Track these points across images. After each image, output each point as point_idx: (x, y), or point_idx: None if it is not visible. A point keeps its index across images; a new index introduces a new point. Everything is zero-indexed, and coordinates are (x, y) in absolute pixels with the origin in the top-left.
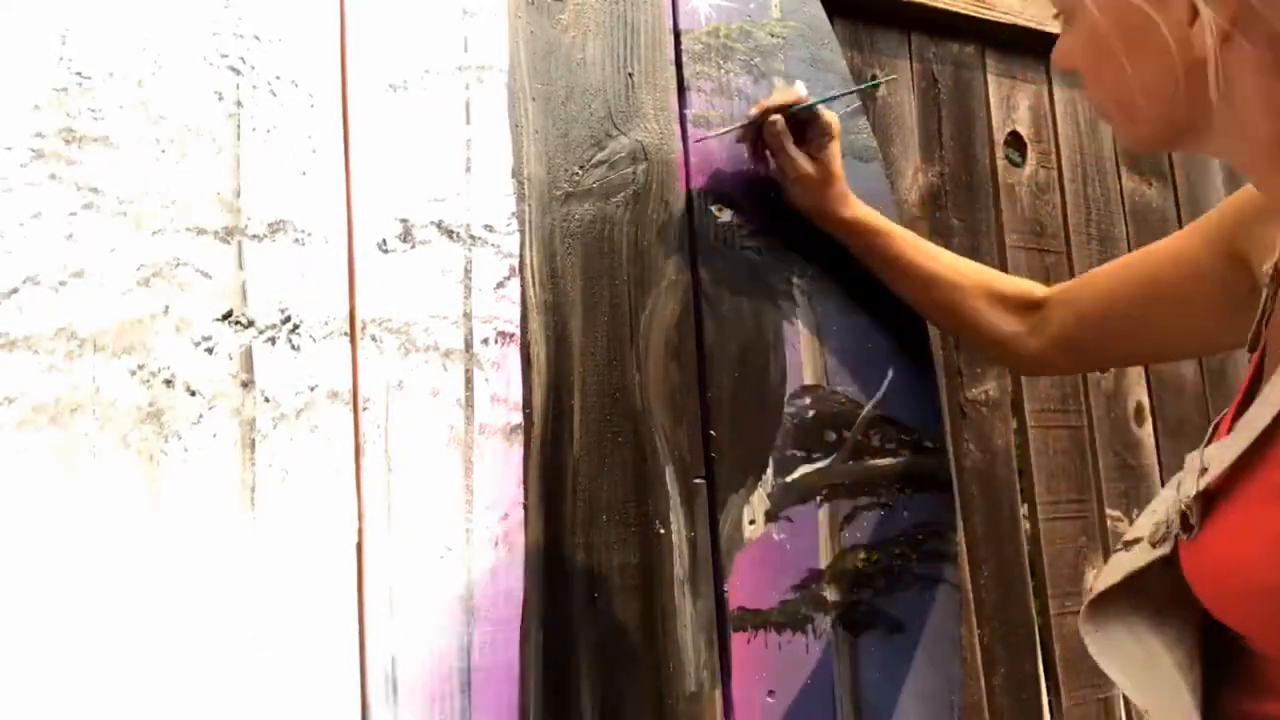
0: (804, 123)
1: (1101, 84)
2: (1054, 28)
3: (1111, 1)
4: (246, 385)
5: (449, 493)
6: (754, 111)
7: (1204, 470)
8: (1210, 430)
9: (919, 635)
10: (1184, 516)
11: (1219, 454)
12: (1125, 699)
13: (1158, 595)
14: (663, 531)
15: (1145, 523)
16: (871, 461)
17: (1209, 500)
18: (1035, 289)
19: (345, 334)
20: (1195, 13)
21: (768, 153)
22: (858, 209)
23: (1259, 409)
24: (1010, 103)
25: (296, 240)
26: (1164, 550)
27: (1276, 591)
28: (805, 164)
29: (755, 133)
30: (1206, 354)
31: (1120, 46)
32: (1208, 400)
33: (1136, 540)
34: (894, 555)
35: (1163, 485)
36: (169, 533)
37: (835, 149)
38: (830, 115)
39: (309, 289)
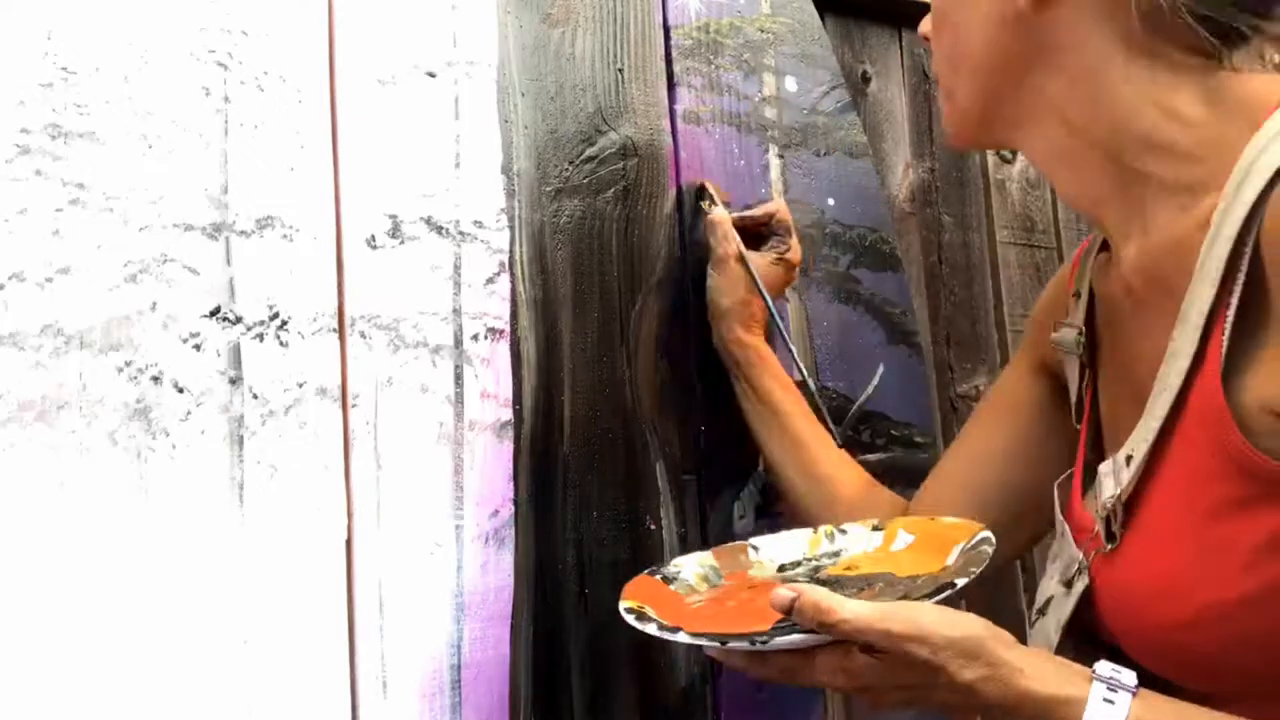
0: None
1: (940, 51)
2: None
3: None
4: (234, 382)
5: (439, 489)
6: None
7: (1128, 460)
8: (1067, 486)
9: None
10: (1107, 523)
11: (1132, 446)
12: None
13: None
14: (653, 527)
15: (1047, 585)
16: (862, 456)
17: (1129, 508)
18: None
19: (334, 330)
20: None
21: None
22: (750, 328)
23: (1155, 401)
24: None
25: (284, 236)
26: (1081, 584)
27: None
28: (732, 271)
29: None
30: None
31: (950, 5)
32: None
33: (1048, 601)
34: None
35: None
36: (157, 530)
37: (795, 244)
38: (795, 251)
39: (297, 285)
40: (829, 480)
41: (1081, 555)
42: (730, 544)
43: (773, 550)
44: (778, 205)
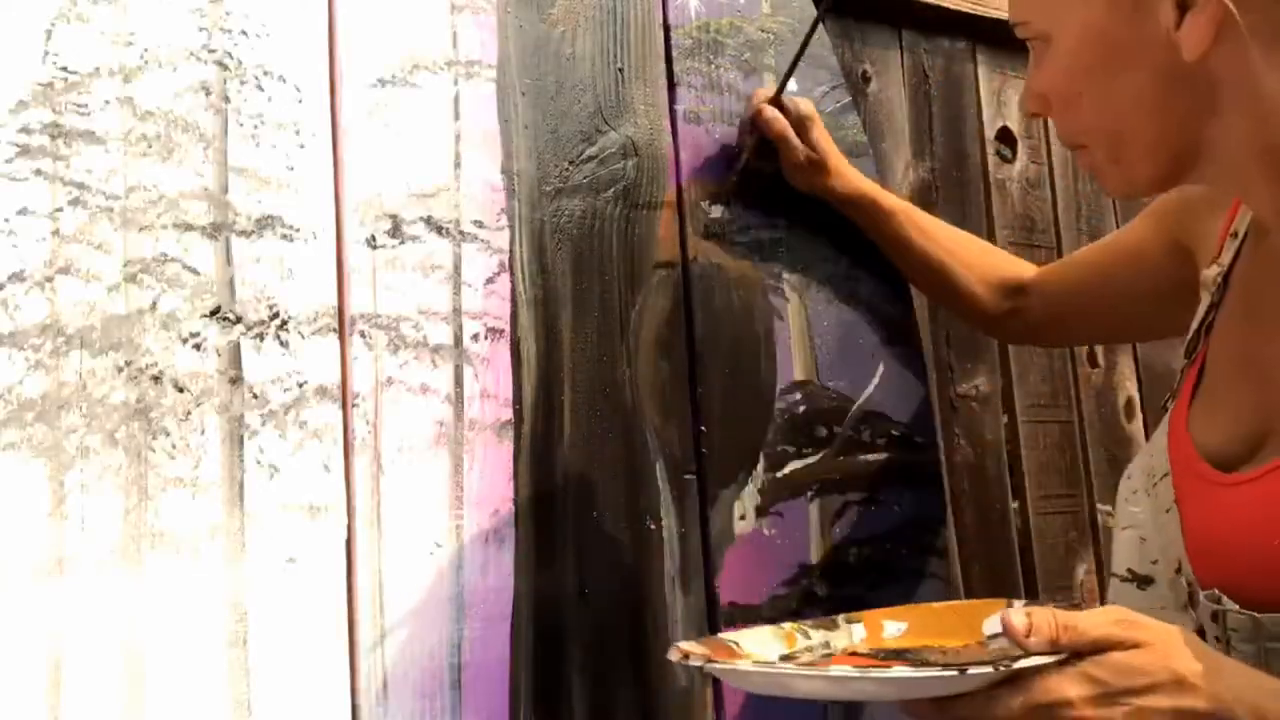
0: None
1: (1084, 118)
2: None
3: (1089, 21)
4: (235, 382)
5: (438, 489)
6: (748, 135)
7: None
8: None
9: None
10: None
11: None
12: None
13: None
14: (653, 527)
15: (1128, 487)
16: (862, 456)
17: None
18: (1022, 272)
19: (334, 330)
20: (1181, 14)
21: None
22: (853, 184)
23: None
24: (1001, 98)
25: (285, 236)
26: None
27: None
28: (804, 149)
29: (751, 129)
30: (1155, 339)
31: (1104, 70)
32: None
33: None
34: (885, 550)
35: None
36: (157, 529)
37: (819, 132)
38: (804, 103)
39: (297, 285)
40: (968, 297)
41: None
42: (709, 639)
43: (757, 646)
44: (764, 90)
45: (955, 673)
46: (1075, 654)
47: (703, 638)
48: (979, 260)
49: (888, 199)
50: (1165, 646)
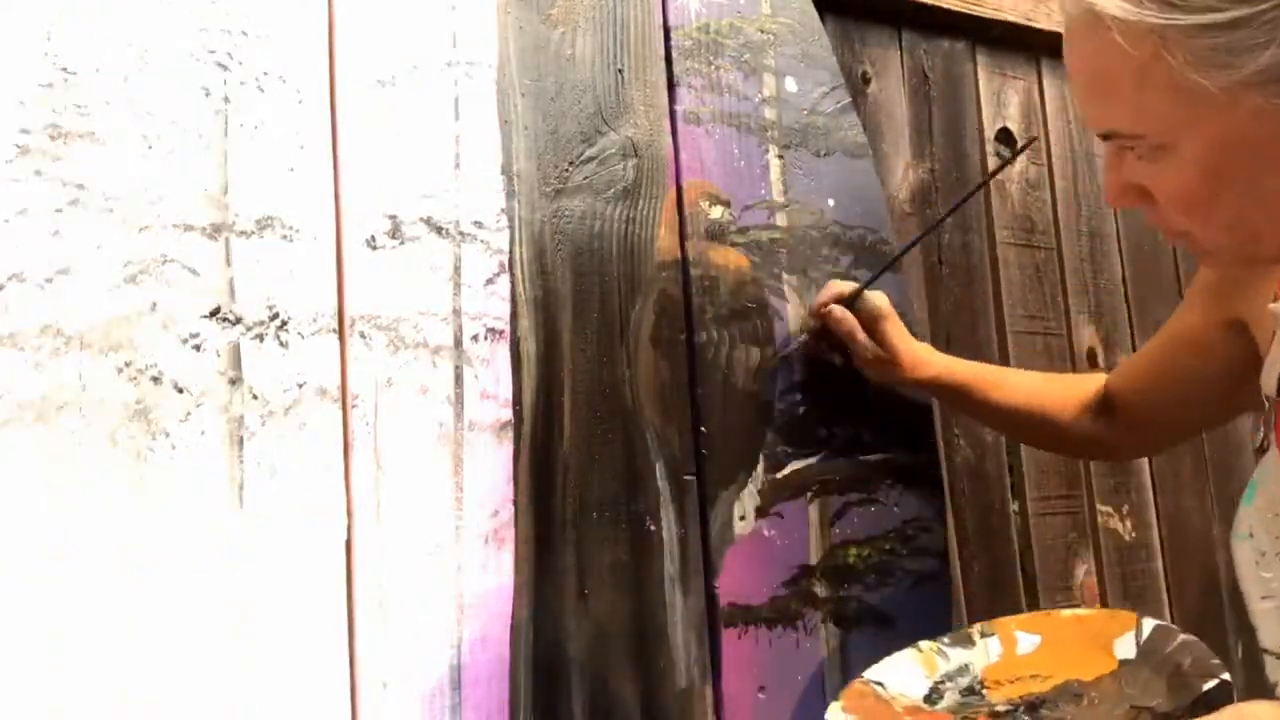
0: (855, 303)
1: (1213, 215)
2: (1044, 24)
3: (1229, 129)
4: (234, 382)
5: (438, 490)
6: (811, 318)
7: None
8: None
9: (910, 631)
10: None
11: None
12: None
13: None
14: (653, 528)
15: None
16: (862, 457)
17: None
18: (1093, 388)
19: (334, 331)
20: None
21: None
22: (933, 368)
23: None
24: (1001, 99)
25: (284, 236)
26: None
27: None
28: (873, 348)
29: (819, 332)
30: (1240, 414)
31: (1249, 170)
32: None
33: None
34: (884, 551)
35: (1152, 481)
36: (157, 530)
37: (892, 327)
38: (878, 298)
39: (297, 285)
40: (1065, 434)
41: None
42: (848, 688)
43: (897, 682)
44: (834, 287)
45: None
46: None
47: (847, 687)
48: (1058, 394)
49: (957, 373)
50: None
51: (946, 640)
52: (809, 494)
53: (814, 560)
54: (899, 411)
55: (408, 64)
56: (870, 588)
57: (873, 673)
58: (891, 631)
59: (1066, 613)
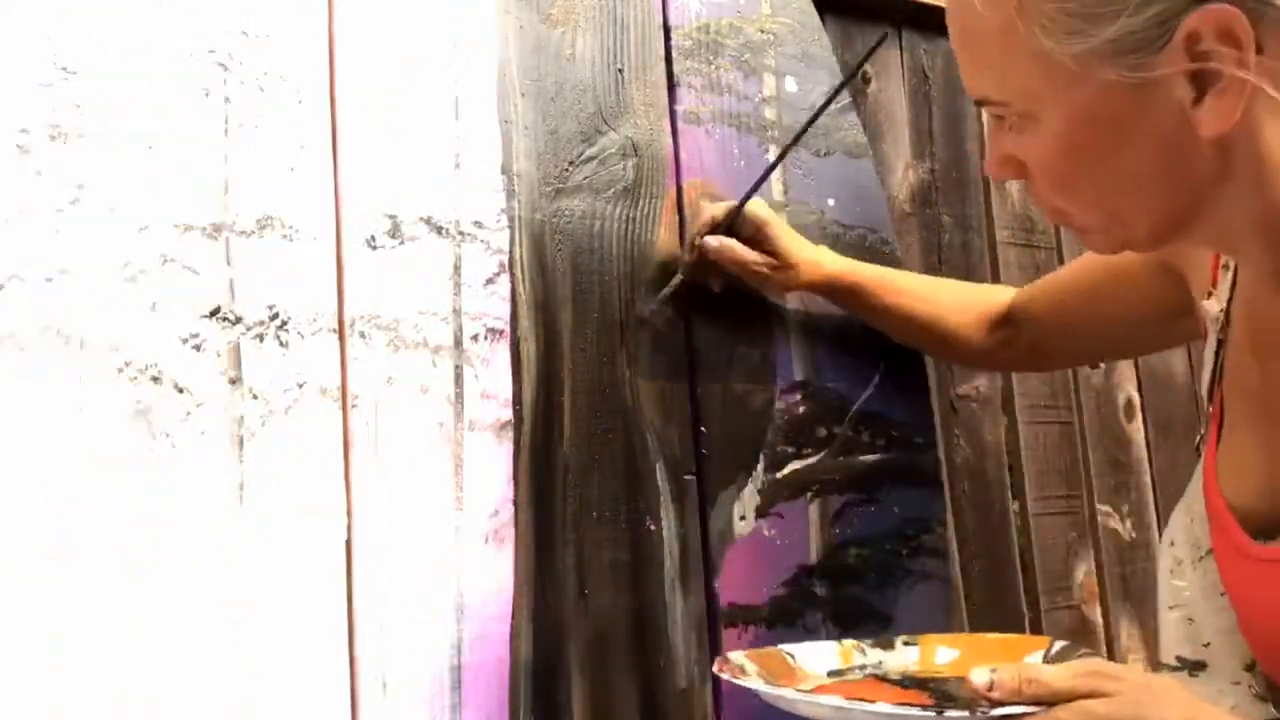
0: (735, 224)
1: (1077, 195)
2: None
3: (1084, 101)
4: (234, 382)
5: (438, 490)
6: (687, 254)
7: None
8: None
9: (910, 631)
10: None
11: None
12: None
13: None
14: (653, 528)
15: (1170, 568)
16: (862, 457)
17: None
18: (1000, 300)
19: (334, 330)
20: (1200, 93)
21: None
22: (824, 268)
23: None
24: None
25: (284, 236)
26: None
27: None
28: (762, 260)
29: (698, 267)
30: (1154, 352)
31: (1102, 148)
32: (1197, 396)
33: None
34: (884, 551)
35: (1153, 481)
36: (157, 530)
37: (777, 231)
38: (755, 205)
39: (297, 285)
40: (957, 342)
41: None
42: (765, 649)
43: (808, 659)
44: (703, 215)
45: (933, 714)
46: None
47: (764, 648)
48: (958, 302)
49: (856, 274)
50: (1137, 694)
51: (869, 641)
52: (809, 494)
53: (814, 560)
54: (899, 411)
55: (408, 64)
56: (870, 588)
57: (790, 646)
58: (892, 632)
59: (991, 636)
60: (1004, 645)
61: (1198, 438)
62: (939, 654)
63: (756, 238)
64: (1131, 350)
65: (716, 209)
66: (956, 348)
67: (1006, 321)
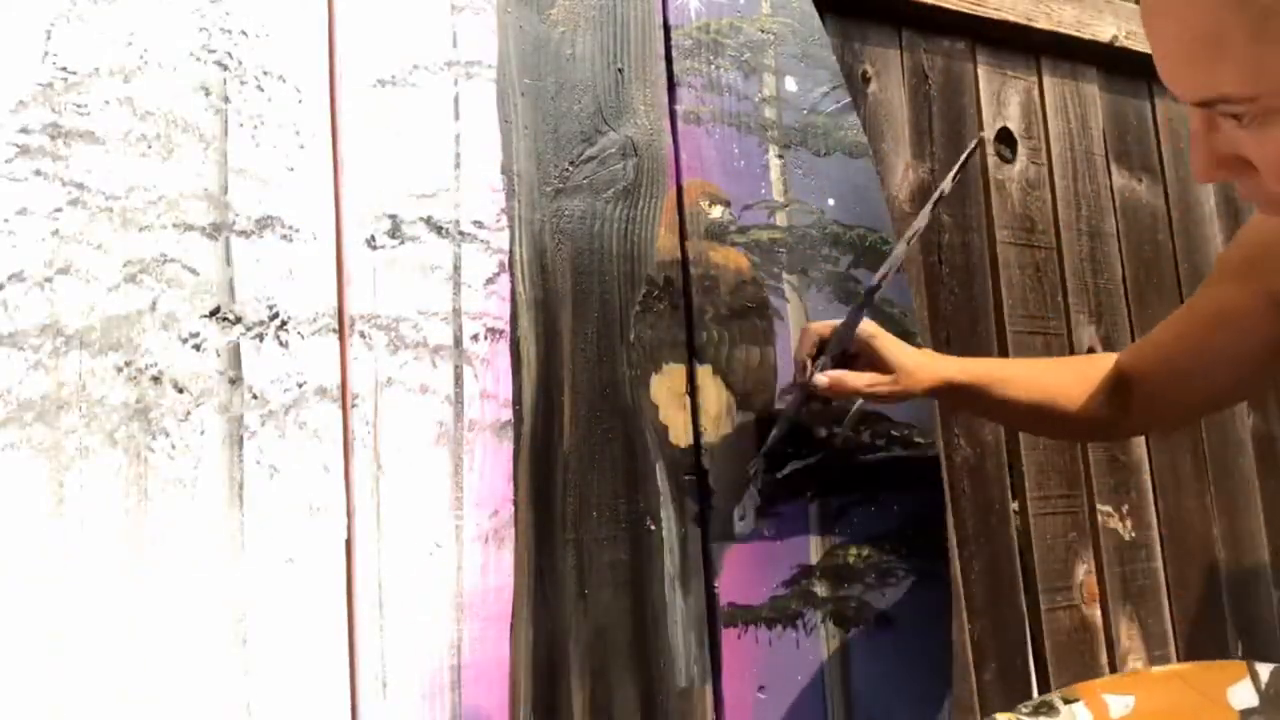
0: (843, 348)
1: None
2: (1044, 24)
3: None
4: (234, 382)
5: (438, 489)
6: (801, 389)
7: None
8: None
9: (909, 630)
10: None
11: None
12: None
13: None
14: (653, 528)
15: None
16: (862, 457)
17: None
18: (1105, 368)
19: (334, 330)
20: None
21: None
22: (938, 372)
23: None
24: (1001, 99)
25: (284, 236)
26: None
27: None
28: (875, 380)
29: (805, 397)
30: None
31: None
32: None
33: None
34: (884, 551)
35: (1153, 481)
36: (157, 530)
37: (884, 344)
38: (867, 327)
39: (297, 285)
40: (1076, 421)
41: None
42: None
43: None
44: (808, 338)
45: None
46: None
47: None
48: (1067, 381)
49: (968, 373)
50: None
51: (1027, 710)
52: (809, 494)
53: (814, 560)
54: (899, 411)
55: (408, 63)
56: (870, 588)
57: None
58: (891, 631)
59: (1157, 670)
60: (1184, 680)
61: None
62: (1112, 705)
63: (864, 352)
64: (1254, 389)
65: (822, 329)
66: (1078, 427)
67: (1118, 388)
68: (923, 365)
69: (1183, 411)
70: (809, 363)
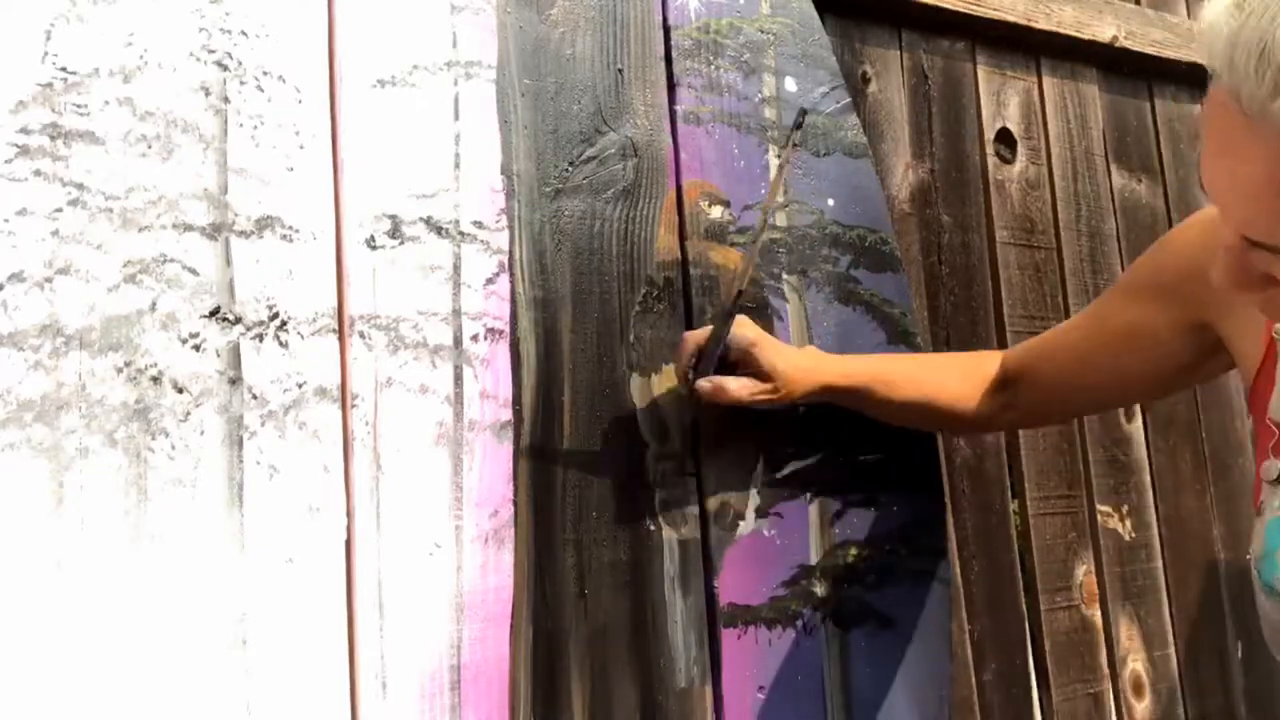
0: (719, 348)
1: None
2: (1044, 24)
3: None
4: (234, 382)
5: (438, 490)
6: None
7: None
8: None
9: (909, 630)
10: None
11: None
12: (1115, 694)
13: None
14: (653, 528)
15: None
16: (862, 457)
17: None
18: (991, 367)
19: (333, 330)
20: None
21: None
22: (821, 375)
23: None
24: (1000, 99)
25: (284, 236)
26: None
27: None
28: (755, 389)
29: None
30: (1167, 396)
31: None
32: (1196, 397)
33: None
34: (884, 550)
35: (1152, 481)
36: (156, 530)
37: (764, 351)
38: (739, 326)
39: (297, 285)
40: (960, 417)
41: None
42: None
43: None
44: (682, 350)
45: None
46: None
47: None
48: (950, 379)
49: (850, 376)
50: None
51: None
52: (809, 494)
53: (814, 560)
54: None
55: (407, 64)
56: (870, 587)
57: None
58: (891, 631)
59: None
60: None
61: (1276, 469)
62: None
63: (745, 360)
64: (1148, 400)
65: (699, 336)
66: (962, 421)
67: (1003, 386)
68: (803, 370)
69: (1066, 413)
70: (689, 372)
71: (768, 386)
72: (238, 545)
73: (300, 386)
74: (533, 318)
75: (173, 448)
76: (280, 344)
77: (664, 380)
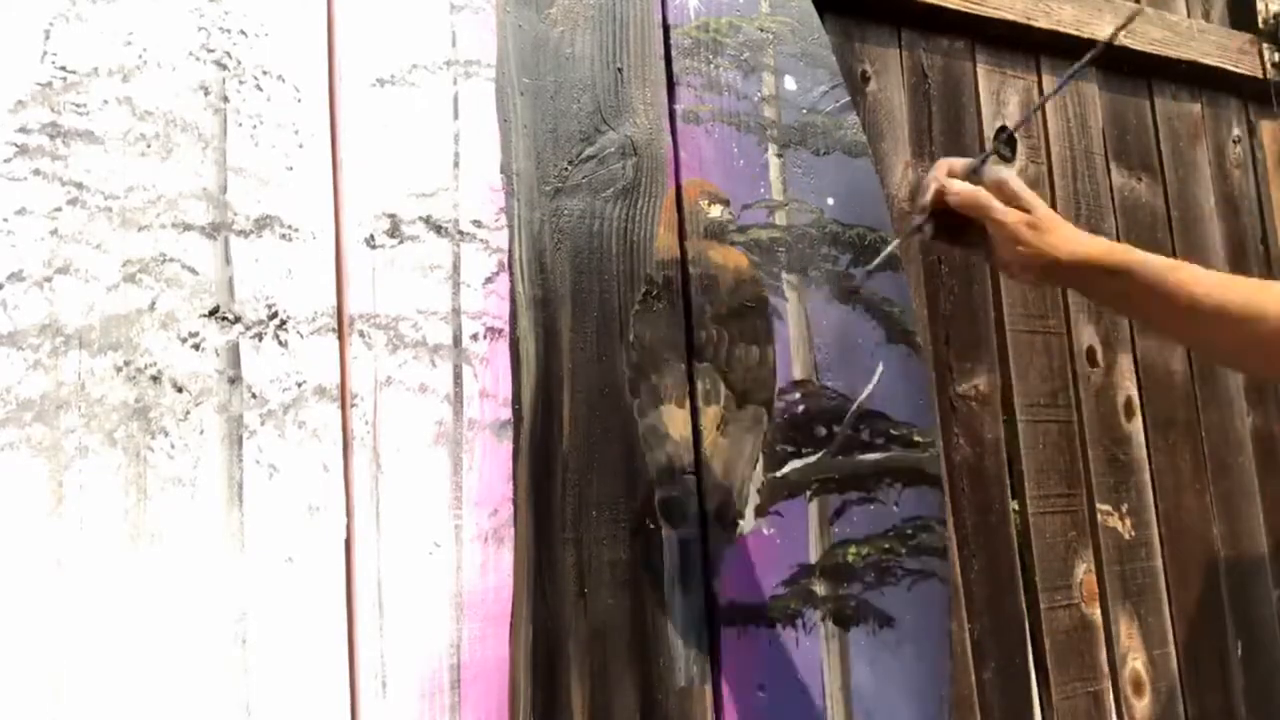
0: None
1: None
2: (1043, 23)
3: None
4: (234, 381)
5: (438, 489)
6: (928, 198)
7: None
8: None
9: (909, 629)
10: None
11: None
12: (1115, 692)
13: None
14: (652, 527)
15: None
16: (861, 456)
17: None
18: None
19: (333, 330)
20: None
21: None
22: (1090, 245)
23: None
24: (1000, 98)
25: (284, 236)
26: None
27: None
28: (1020, 215)
29: (930, 219)
30: None
31: None
32: (1196, 395)
33: None
34: (884, 550)
35: (1152, 481)
36: (156, 530)
37: (1024, 191)
38: (1002, 170)
39: (296, 285)
40: (1264, 340)
41: None
42: None
43: None
44: (945, 165)
45: None
46: None
47: None
48: (1260, 293)
49: (1126, 256)
50: None
51: None
52: (809, 493)
53: (814, 559)
54: (899, 410)
55: (407, 63)
56: (870, 587)
57: None
58: (891, 630)
59: None
60: None
61: None
62: None
63: (1003, 190)
64: None
65: (954, 161)
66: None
67: None
68: (1068, 230)
69: None
70: (932, 186)
71: (1028, 217)
72: (237, 544)
73: (300, 386)
74: (532, 317)
75: (172, 447)
76: (280, 343)
77: (664, 379)
